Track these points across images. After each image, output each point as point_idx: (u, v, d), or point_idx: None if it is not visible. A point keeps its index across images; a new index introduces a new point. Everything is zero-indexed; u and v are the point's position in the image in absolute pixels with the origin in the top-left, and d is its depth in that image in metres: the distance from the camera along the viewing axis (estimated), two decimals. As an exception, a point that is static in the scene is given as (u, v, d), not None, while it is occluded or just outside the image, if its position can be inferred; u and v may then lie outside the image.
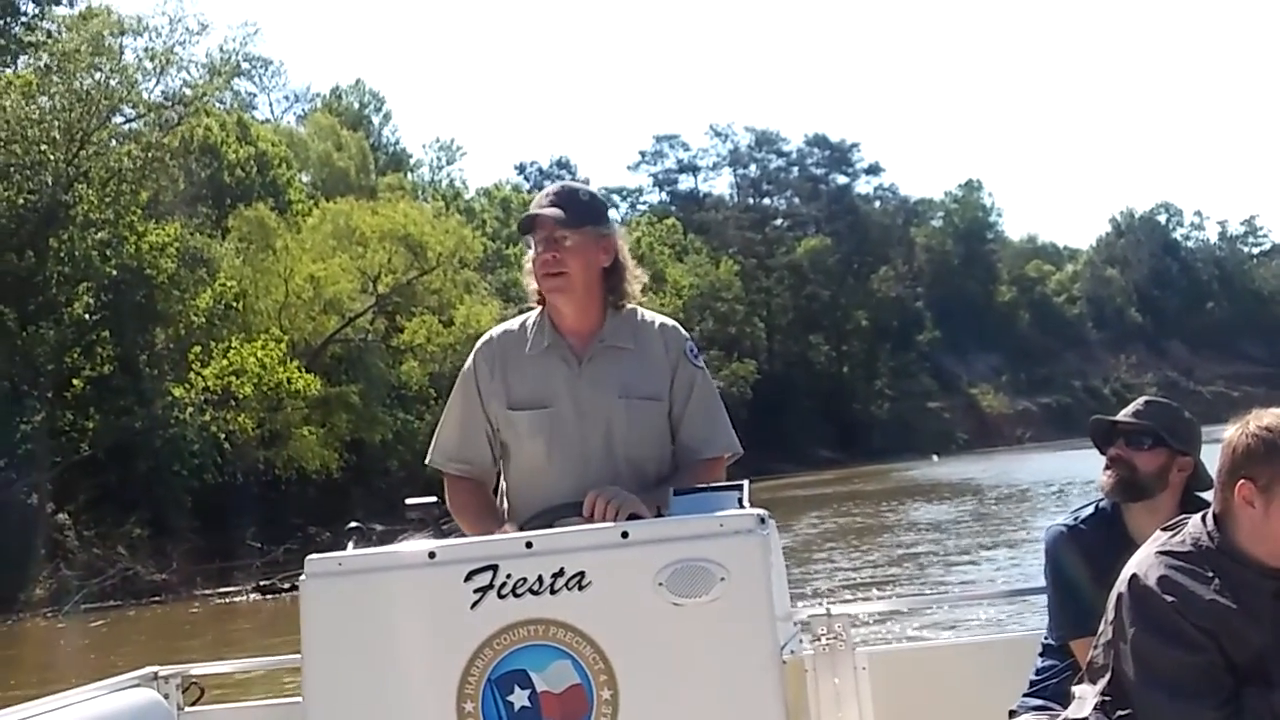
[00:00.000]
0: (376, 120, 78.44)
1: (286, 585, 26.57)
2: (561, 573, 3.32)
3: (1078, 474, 38.60)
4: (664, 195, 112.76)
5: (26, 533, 31.90)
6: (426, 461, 4.14)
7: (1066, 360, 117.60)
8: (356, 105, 77.25)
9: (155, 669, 4.88)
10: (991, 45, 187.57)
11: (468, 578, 3.34)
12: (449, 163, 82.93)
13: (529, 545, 3.37)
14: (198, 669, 4.97)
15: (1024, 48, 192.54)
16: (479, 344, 4.16)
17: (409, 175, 75.80)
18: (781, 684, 3.30)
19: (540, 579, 3.32)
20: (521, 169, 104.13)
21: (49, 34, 43.24)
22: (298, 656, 3.42)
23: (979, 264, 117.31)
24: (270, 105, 75.23)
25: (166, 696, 4.83)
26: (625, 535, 3.38)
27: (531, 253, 4.06)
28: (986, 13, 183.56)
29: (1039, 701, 4.05)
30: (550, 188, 4.13)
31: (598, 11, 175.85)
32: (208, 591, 30.62)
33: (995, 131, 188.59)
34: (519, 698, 3.32)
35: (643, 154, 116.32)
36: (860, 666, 4.71)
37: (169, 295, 36.85)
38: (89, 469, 33.87)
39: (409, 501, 3.83)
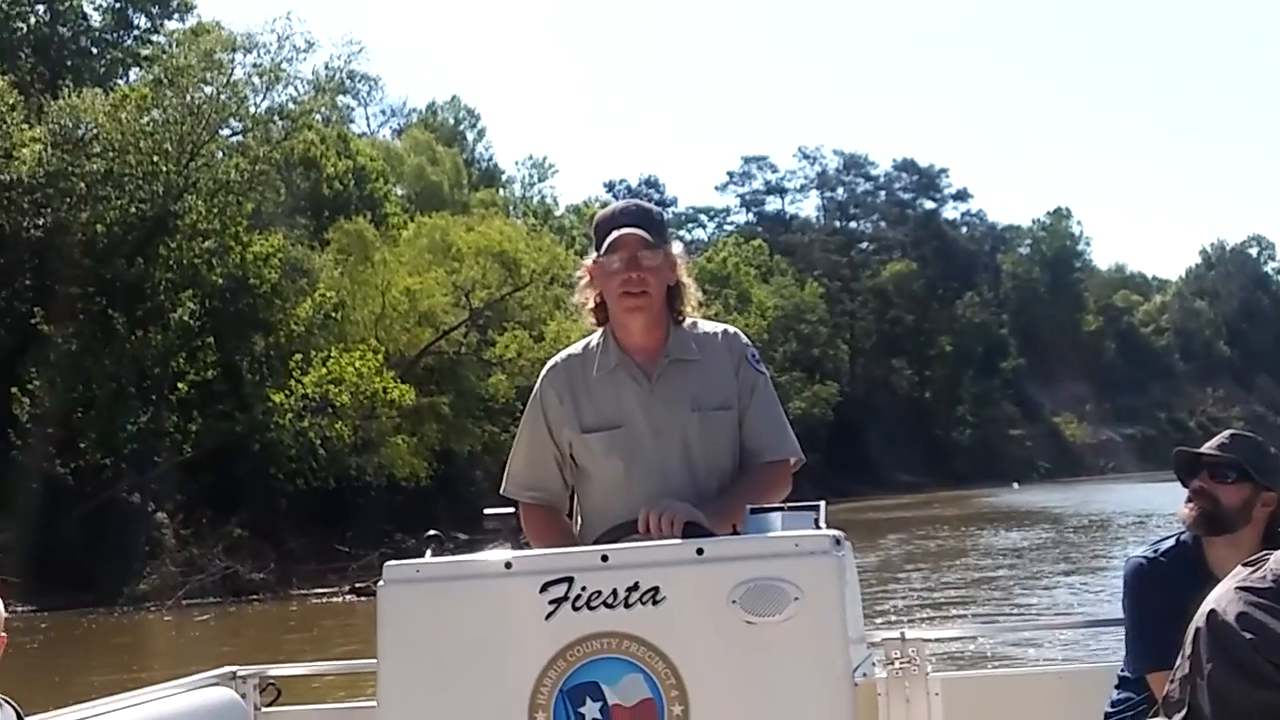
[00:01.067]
0: (471, 136, 79.87)
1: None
2: (636, 587, 3.34)
3: (1159, 506, 38.67)
4: (751, 216, 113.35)
5: (131, 530, 33.16)
6: (501, 491, 4.20)
7: (1152, 391, 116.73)
8: (452, 121, 78.66)
9: (234, 669, 4.99)
10: (1083, 73, 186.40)
11: (543, 589, 3.37)
12: (541, 180, 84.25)
13: (604, 559, 3.41)
14: (275, 670, 5.05)
15: (1116, 76, 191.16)
16: (545, 371, 4.21)
17: (501, 191, 77.02)
18: (853, 706, 3.31)
19: (615, 593, 3.35)
20: (610, 187, 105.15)
21: (161, 48, 44.86)
22: (374, 661, 3.49)
23: (1065, 292, 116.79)
24: (367, 119, 76.75)
25: (244, 696, 4.91)
26: (700, 552, 3.40)
27: (588, 264, 4.15)
28: (1078, 41, 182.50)
29: None
30: (621, 205, 4.20)
31: (688, 32, 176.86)
32: (304, 591, 31.63)
33: (1085, 159, 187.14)
34: (590, 710, 3.34)
35: (731, 174, 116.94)
36: (933, 692, 4.67)
37: (271, 304, 38.00)
38: (190, 470, 35.03)
39: (487, 512, 3.87)
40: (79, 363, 33.36)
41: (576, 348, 4.19)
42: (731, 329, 4.21)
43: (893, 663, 4.63)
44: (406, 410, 39.56)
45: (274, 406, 35.85)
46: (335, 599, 27.60)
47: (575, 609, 3.34)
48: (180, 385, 34.41)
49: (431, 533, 3.75)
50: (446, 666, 3.41)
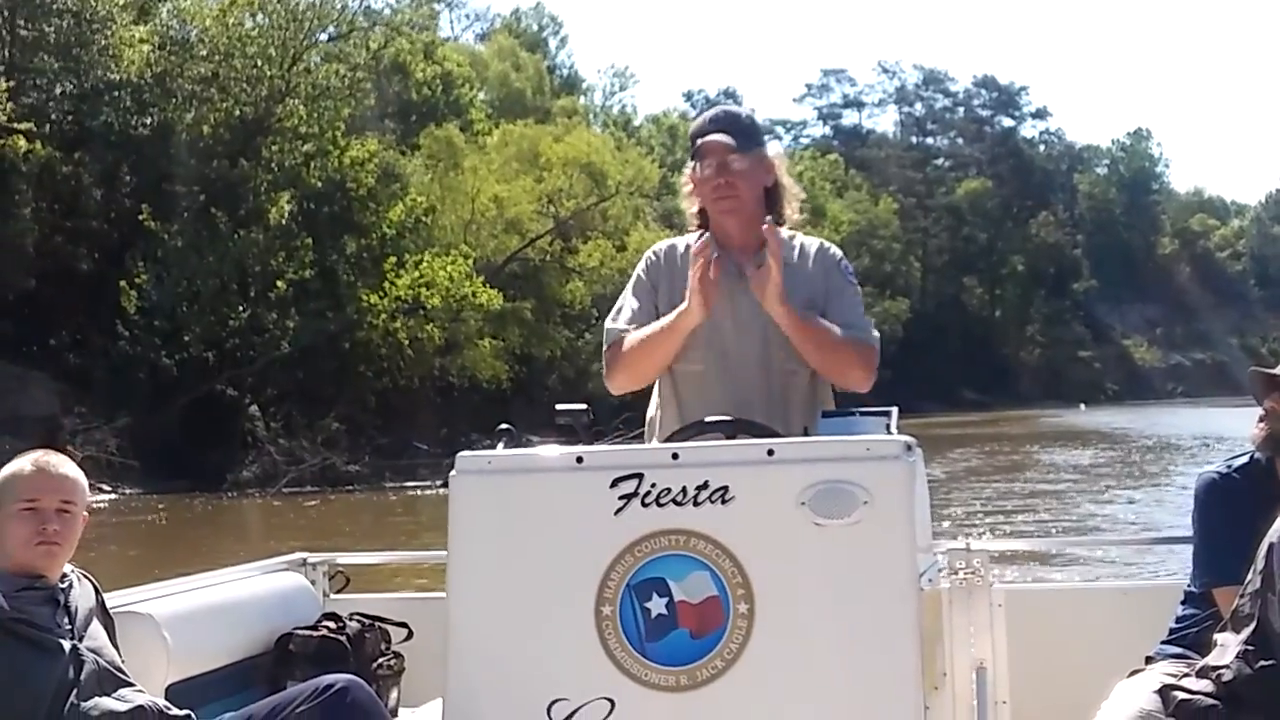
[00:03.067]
0: (553, 43, 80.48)
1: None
2: (705, 485, 3.37)
3: (1228, 430, 38.92)
4: (827, 130, 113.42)
5: (231, 421, 34.68)
6: (605, 337, 4.29)
7: (1225, 317, 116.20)
8: (535, 27, 79.22)
9: (304, 555, 5.06)
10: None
11: (613, 484, 3.40)
12: (621, 89, 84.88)
13: (675, 456, 3.45)
14: (344, 558, 5.14)
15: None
16: (646, 254, 4.38)
17: (582, 100, 77.67)
18: (919, 612, 3.33)
19: (684, 490, 3.37)
20: (689, 97, 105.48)
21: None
22: (443, 553, 3.56)
23: (1142, 215, 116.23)
24: (451, 24, 77.44)
25: (313, 582, 4.98)
26: (771, 453, 3.43)
27: (690, 172, 4.29)
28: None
29: (1178, 649, 3.92)
30: (710, 113, 4.32)
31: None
32: (397, 484, 33.06)
33: (1167, 81, 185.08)
34: (656, 605, 3.38)
35: (809, 87, 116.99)
36: (996, 603, 4.64)
37: (365, 207, 39.17)
38: (286, 365, 36.48)
39: (559, 407, 3.93)
40: (184, 259, 34.66)
41: (679, 241, 4.33)
42: (829, 244, 4.34)
43: (957, 572, 4.60)
44: (490, 314, 40.73)
45: (368, 307, 37.12)
46: (428, 492, 28.87)
47: (644, 505, 3.38)
48: (279, 284, 35.72)
49: (503, 426, 3.79)
50: (515, 558, 3.48)
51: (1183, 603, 4.09)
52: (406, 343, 38.18)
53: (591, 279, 47.02)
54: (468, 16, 77.90)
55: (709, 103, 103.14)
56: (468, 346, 40.67)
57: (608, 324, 4.28)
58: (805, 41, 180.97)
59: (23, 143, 31.61)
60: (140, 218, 35.07)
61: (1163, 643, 4.02)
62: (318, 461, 33.47)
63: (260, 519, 27.93)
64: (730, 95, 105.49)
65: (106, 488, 29.54)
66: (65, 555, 3.57)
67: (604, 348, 4.29)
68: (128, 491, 30.26)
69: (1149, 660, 3.96)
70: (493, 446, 3.69)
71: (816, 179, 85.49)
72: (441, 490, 4.00)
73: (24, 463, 3.57)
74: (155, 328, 33.85)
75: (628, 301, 4.30)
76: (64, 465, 3.61)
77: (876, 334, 4.25)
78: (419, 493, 30.30)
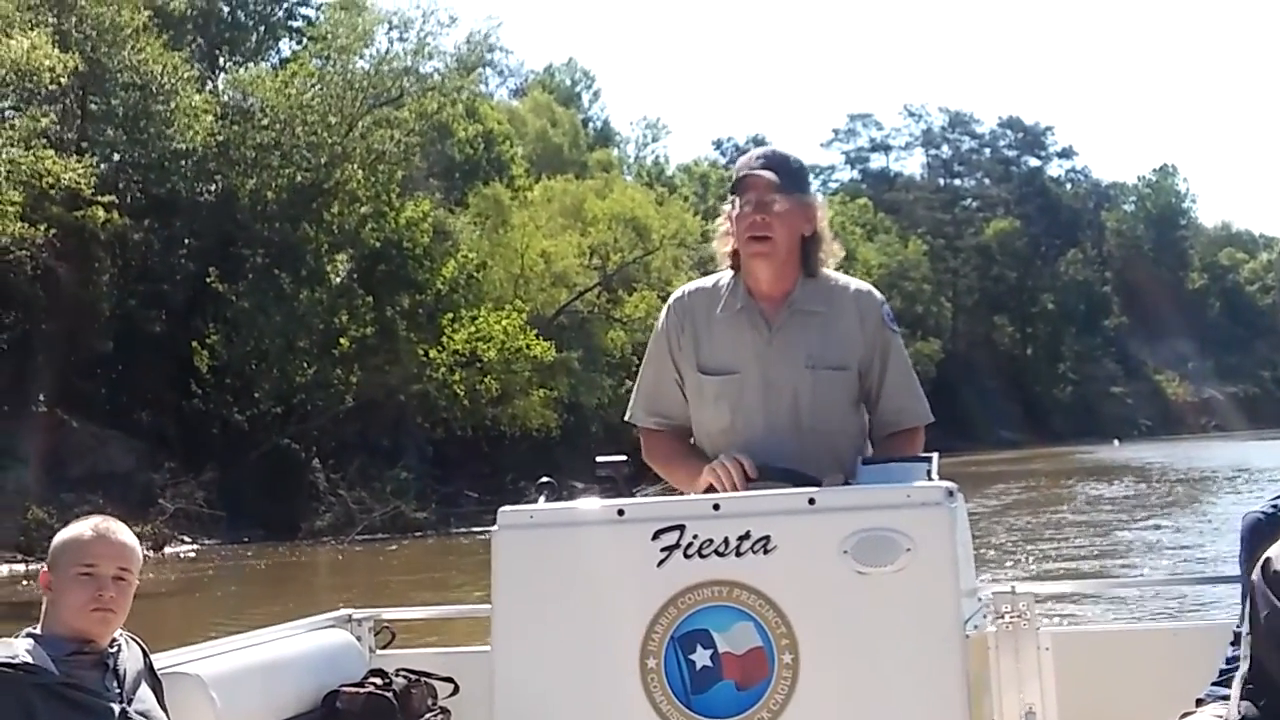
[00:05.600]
0: (586, 97, 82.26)
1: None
2: (747, 536, 3.37)
3: (1263, 461, 39.55)
4: (855, 173, 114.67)
5: (299, 472, 36.16)
6: (625, 418, 4.28)
7: (1256, 350, 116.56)
8: (568, 82, 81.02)
9: (350, 611, 5.02)
10: (1188, 28, 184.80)
11: (655, 536, 3.41)
12: (653, 140, 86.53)
13: (716, 507, 3.45)
14: (390, 613, 5.11)
15: (1221, 31, 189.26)
16: (670, 300, 4.22)
17: (616, 152, 79.33)
18: (965, 658, 3.31)
19: (726, 541, 3.37)
20: (719, 145, 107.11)
21: (309, 21, 47.64)
22: (488, 606, 3.60)
23: (1170, 250, 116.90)
24: (486, 80, 79.28)
25: (359, 639, 4.92)
26: (812, 501, 3.42)
27: (728, 212, 4.12)
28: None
29: (1228, 691, 3.78)
30: (760, 150, 4.15)
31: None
32: (463, 529, 34.50)
33: (1192, 117, 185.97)
34: (701, 657, 3.37)
35: (836, 132, 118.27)
36: (1044, 646, 4.53)
37: (420, 265, 40.77)
38: (350, 418, 37.98)
39: (599, 460, 3.93)
40: (251, 318, 36.28)
41: (706, 282, 4.20)
42: (866, 286, 4.17)
43: (1002, 616, 4.49)
44: (540, 365, 42.15)
45: (427, 361, 38.67)
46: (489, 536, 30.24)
47: (687, 556, 3.39)
48: (341, 340, 37.28)
49: (544, 479, 3.82)
50: (559, 611, 3.49)
51: (1232, 643, 3.96)
52: (463, 394, 39.62)
53: (635, 329, 48.40)
54: (501, 74, 79.69)
55: (738, 150, 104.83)
56: (519, 396, 42.04)
57: (632, 401, 4.28)
58: (831, 87, 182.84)
59: (101, 213, 33.22)
60: (208, 280, 36.70)
61: (1213, 684, 3.91)
62: (389, 510, 34.97)
63: (339, 565, 29.41)
64: (759, 142, 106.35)
65: (188, 539, 31.13)
66: (118, 622, 3.58)
67: (631, 423, 4.29)
68: (208, 542, 31.80)
69: (1199, 702, 3.87)
70: (535, 498, 3.73)
71: (846, 223, 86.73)
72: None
73: (83, 528, 3.58)
74: (226, 385, 35.48)
75: (647, 373, 4.24)
76: (122, 532, 3.61)
77: (925, 402, 4.18)
78: (484, 537, 31.63)
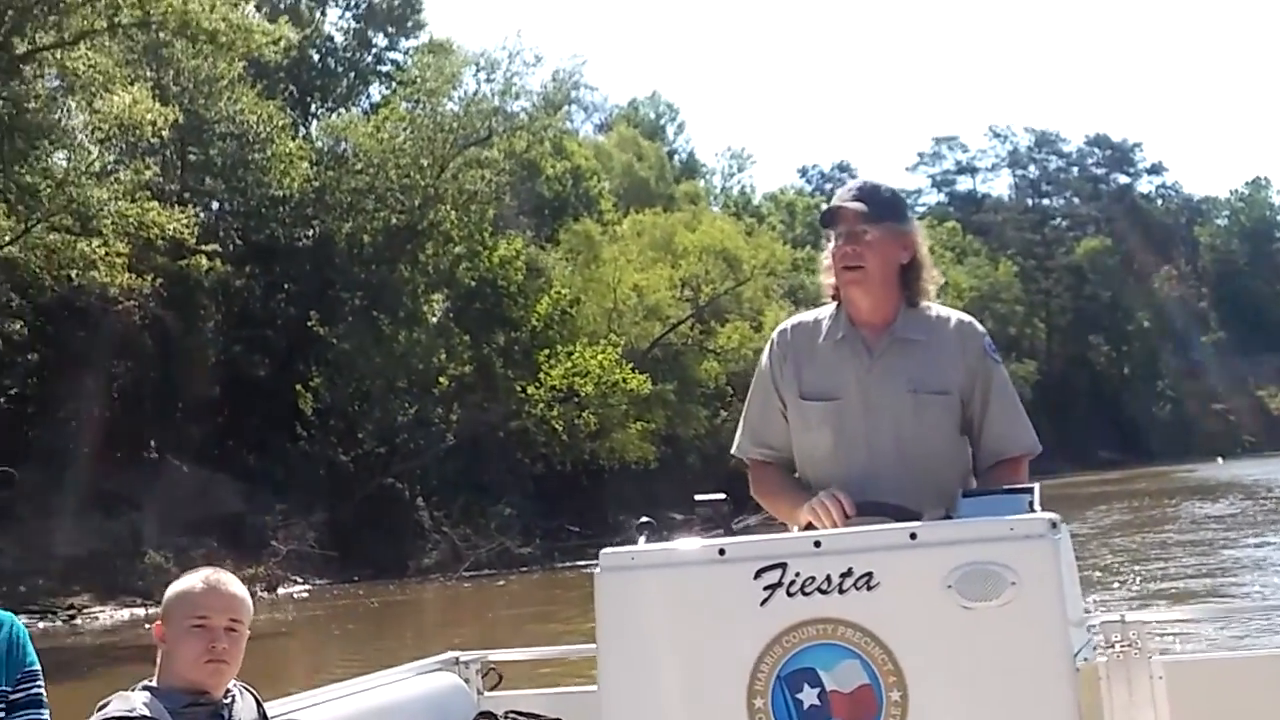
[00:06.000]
0: (670, 130, 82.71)
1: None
2: (850, 573, 3.34)
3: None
4: (942, 196, 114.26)
5: (403, 510, 36.61)
6: (732, 451, 4.30)
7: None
8: (653, 115, 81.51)
9: (456, 654, 5.04)
10: (1275, 39, 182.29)
11: (756, 575, 3.39)
12: (739, 170, 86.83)
13: (817, 544, 3.42)
14: (496, 655, 5.12)
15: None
16: (774, 334, 4.25)
17: (702, 183, 79.66)
18: (1076, 692, 3.29)
19: (829, 578, 3.35)
20: (804, 172, 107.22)
21: (398, 65, 48.40)
22: (593, 646, 3.58)
23: (1265, 263, 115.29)
24: (572, 116, 79.94)
25: (467, 681, 4.95)
26: (914, 536, 3.39)
27: (830, 248, 4.13)
28: (1269, 7, 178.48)
29: None
30: (852, 183, 4.18)
31: (878, 16, 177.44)
32: (567, 564, 34.74)
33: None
34: (808, 696, 3.36)
35: (921, 155, 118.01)
36: (1157, 676, 4.42)
37: (514, 303, 41.20)
38: (450, 456, 38.40)
39: (698, 498, 3.91)
40: (352, 360, 36.86)
41: (809, 315, 4.25)
42: (968, 318, 4.17)
43: (1113, 646, 4.40)
44: (636, 398, 42.39)
45: (525, 397, 39.04)
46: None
47: (789, 595, 3.36)
48: (440, 379, 37.73)
49: (644, 520, 3.81)
50: (664, 652, 3.48)
51: None
52: (562, 429, 39.92)
53: (728, 359, 48.57)
54: (586, 110, 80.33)
55: (823, 177, 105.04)
56: (617, 430, 42.27)
57: (738, 434, 4.30)
58: (915, 110, 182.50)
59: (204, 261, 33.92)
60: (309, 324, 37.31)
61: None
62: (494, 546, 35.32)
63: (448, 602, 29.74)
64: (844, 169, 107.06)
65: (299, 579, 31.62)
66: (232, 672, 3.61)
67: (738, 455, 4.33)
68: (319, 582, 32.30)
69: None
70: (636, 538, 3.76)
71: (936, 246, 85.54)
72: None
73: (194, 580, 3.63)
74: (331, 427, 36.04)
75: (752, 406, 4.27)
76: (232, 584, 3.65)
77: (1032, 431, 4.16)
78: (588, 570, 31.88)
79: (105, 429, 33.87)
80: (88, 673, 20.64)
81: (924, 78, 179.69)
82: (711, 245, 46.96)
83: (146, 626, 25.47)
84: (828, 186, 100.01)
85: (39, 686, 3.24)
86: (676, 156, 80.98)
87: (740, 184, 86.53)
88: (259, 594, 30.82)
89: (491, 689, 5.03)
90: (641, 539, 3.73)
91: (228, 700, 3.61)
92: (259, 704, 3.76)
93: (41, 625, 26.88)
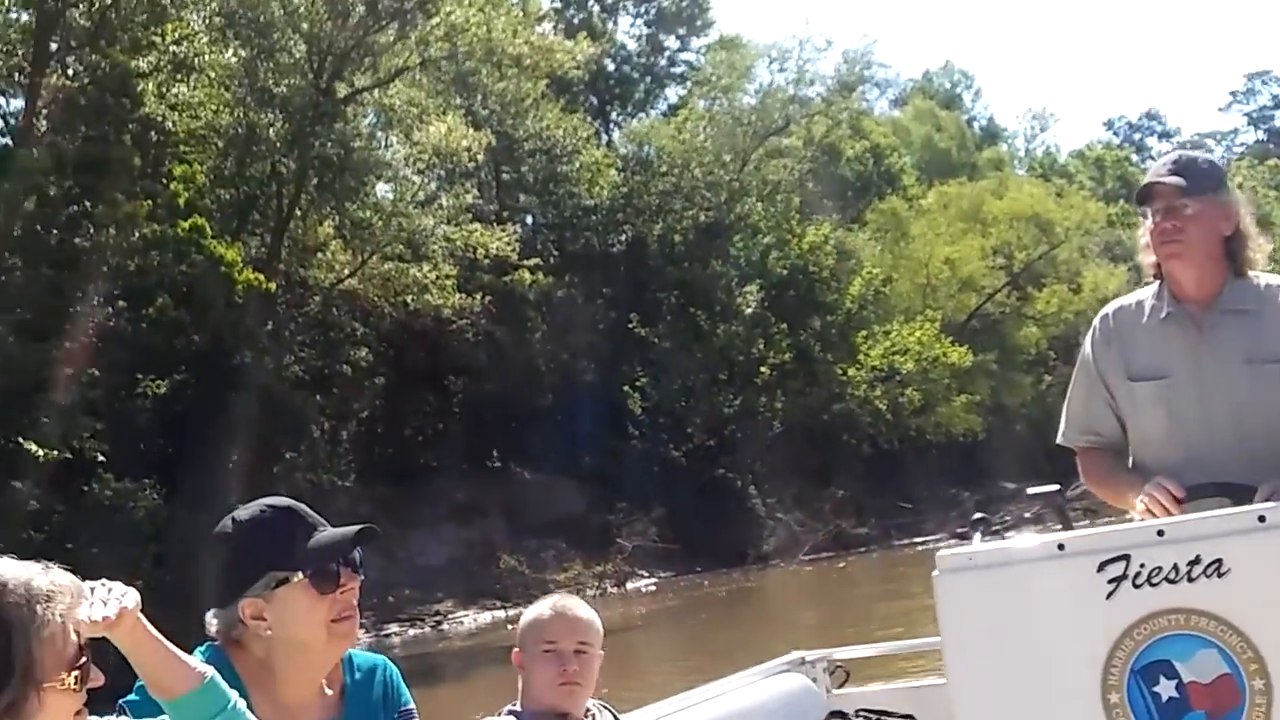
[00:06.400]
0: (968, 98, 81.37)
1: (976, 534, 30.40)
2: (1197, 560, 3.23)
3: None
4: (1260, 134, 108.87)
5: (736, 499, 37.31)
6: (1058, 441, 4.24)
7: None
8: (948, 85, 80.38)
9: (802, 654, 4.99)
10: None
11: (1100, 568, 3.30)
12: (1042, 130, 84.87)
13: (1160, 533, 3.32)
14: (840, 653, 5.06)
15: None
16: (1096, 320, 4.18)
17: (1005, 147, 78.16)
18: None
19: (1175, 567, 3.24)
20: (1110, 125, 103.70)
21: (690, 66, 49.26)
22: (937, 639, 3.57)
23: None
24: (866, 95, 79.49)
25: (814, 680, 4.90)
26: (1262, 519, 3.26)
27: (1147, 225, 4.05)
28: None
29: None
30: (1166, 157, 4.09)
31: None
32: (903, 541, 34.89)
33: None
34: (1165, 688, 3.27)
35: (1234, 94, 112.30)
36: None
37: (827, 287, 41.48)
38: (778, 443, 38.95)
39: (1030, 491, 3.94)
40: (674, 358, 37.78)
41: (1131, 297, 4.17)
42: None
43: None
44: (957, 371, 42.11)
45: (847, 380, 39.31)
46: (941, 544, 30.51)
47: (1136, 586, 3.27)
48: (761, 369, 38.36)
49: (978, 516, 3.79)
50: (1011, 649, 3.43)
51: None
52: (885, 408, 40.01)
53: (1048, 324, 47.72)
54: (879, 86, 79.77)
55: (1131, 127, 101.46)
56: (940, 405, 42.11)
57: (1062, 424, 4.25)
58: (1224, 48, 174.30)
59: (527, 275, 35.33)
60: (630, 326, 38.41)
61: None
62: (830, 529, 35.74)
63: (791, 587, 30.30)
64: (1153, 116, 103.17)
65: (645, 573, 32.70)
66: (586, 693, 3.71)
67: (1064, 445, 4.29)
68: (664, 575, 33.29)
69: None
70: (970, 533, 3.77)
71: (1258, 186, 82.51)
72: (941, 545, 4.15)
73: (544, 608, 3.74)
74: (660, 424, 37.02)
75: (1075, 394, 4.21)
76: (579, 609, 3.75)
77: None
78: (925, 547, 31.93)
79: (450, 443, 35.71)
80: (457, 675, 21.94)
81: (1230, 11, 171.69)
82: (1021, 211, 46.24)
83: (509, 628, 26.79)
84: (1136, 137, 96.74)
85: None
86: (976, 123, 79.53)
87: (1044, 144, 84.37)
88: (609, 590, 32.02)
89: (839, 687, 4.98)
90: (977, 536, 3.74)
91: (586, 719, 3.73)
92: (616, 719, 3.88)
93: (411, 632, 28.52)
